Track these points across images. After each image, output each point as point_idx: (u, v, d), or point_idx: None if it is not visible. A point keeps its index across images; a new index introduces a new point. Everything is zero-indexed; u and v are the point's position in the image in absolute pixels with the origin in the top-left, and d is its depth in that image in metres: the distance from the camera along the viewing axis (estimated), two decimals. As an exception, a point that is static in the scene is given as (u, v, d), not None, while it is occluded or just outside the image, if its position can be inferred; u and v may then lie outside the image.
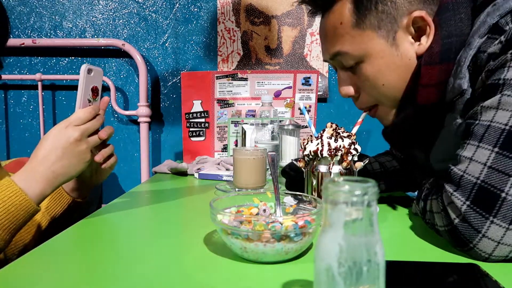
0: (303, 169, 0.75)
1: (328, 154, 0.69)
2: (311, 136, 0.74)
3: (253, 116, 1.51)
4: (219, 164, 1.30)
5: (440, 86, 0.65)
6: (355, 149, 0.70)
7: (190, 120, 1.49)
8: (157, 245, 0.61)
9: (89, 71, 0.73)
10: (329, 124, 0.73)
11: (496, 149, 0.53)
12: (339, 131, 0.72)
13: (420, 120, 0.70)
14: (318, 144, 0.71)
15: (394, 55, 0.69)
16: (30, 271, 0.51)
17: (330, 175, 0.70)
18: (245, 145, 1.33)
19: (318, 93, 1.60)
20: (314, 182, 0.72)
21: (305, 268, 0.52)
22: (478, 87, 0.60)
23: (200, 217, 0.76)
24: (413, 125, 0.72)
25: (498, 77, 0.56)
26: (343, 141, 0.70)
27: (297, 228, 0.51)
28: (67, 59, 1.68)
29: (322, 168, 0.71)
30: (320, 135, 0.72)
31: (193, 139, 1.49)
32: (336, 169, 0.70)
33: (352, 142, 0.71)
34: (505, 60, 0.56)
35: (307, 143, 0.73)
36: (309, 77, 1.52)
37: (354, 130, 0.75)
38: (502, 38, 0.57)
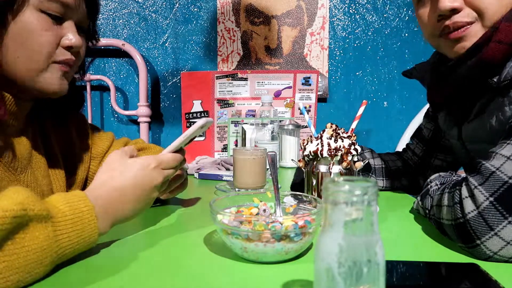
0: (303, 169, 0.75)
1: (328, 154, 0.70)
2: (311, 136, 0.74)
3: (253, 116, 1.51)
4: (219, 164, 1.30)
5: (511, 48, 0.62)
6: (355, 149, 0.71)
7: (190, 120, 1.49)
8: (157, 245, 0.61)
9: (203, 126, 0.70)
10: (329, 125, 0.73)
11: None
12: (339, 131, 0.72)
13: (474, 75, 0.67)
14: (318, 144, 0.71)
15: None
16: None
17: (330, 175, 0.70)
18: (245, 145, 1.33)
19: (318, 93, 1.60)
20: (314, 182, 0.72)
21: (305, 268, 0.52)
22: None
23: (200, 217, 0.76)
24: (466, 75, 0.68)
25: None
26: (343, 141, 0.70)
27: (297, 228, 0.51)
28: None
29: (322, 168, 0.71)
30: (320, 136, 0.72)
31: (193, 139, 1.49)
32: (336, 169, 0.70)
33: (352, 142, 0.71)
34: None
35: (307, 143, 0.73)
36: (309, 77, 1.52)
37: (354, 125, 0.75)
38: None
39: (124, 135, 1.71)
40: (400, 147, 1.65)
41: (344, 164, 0.70)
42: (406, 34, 1.66)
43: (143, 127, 1.64)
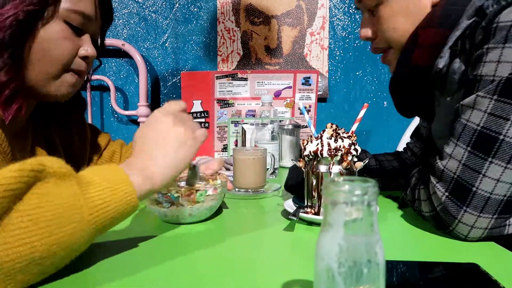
0: (303, 169, 0.75)
1: (328, 154, 0.70)
2: (311, 136, 0.74)
3: (253, 116, 1.51)
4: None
5: (434, 50, 0.67)
6: (355, 150, 0.71)
7: (190, 120, 1.49)
8: (157, 245, 0.61)
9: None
10: (329, 125, 0.73)
11: (469, 148, 0.59)
12: (339, 131, 0.72)
13: (414, 81, 0.73)
14: (318, 144, 0.71)
15: (410, 1, 0.72)
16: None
17: (330, 175, 0.70)
18: (245, 145, 1.33)
19: (318, 93, 1.60)
20: (314, 182, 0.72)
21: (305, 268, 0.52)
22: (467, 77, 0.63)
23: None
24: (407, 85, 0.75)
25: (475, 73, 0.60)
26: (343, 141, 0.70)
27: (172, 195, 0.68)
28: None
29: (322, 168, 0.71)
30: (320, 136, 0.72)
31: (193, 139, 1.49)
32: (336, 169, 0.70)
33: (352, 142, 0.71)
34: (481, 53, 0.59)
35: (307, 144, 0.73)
36: (309, 77, 1.52)
37: (354, 127, 0.75)
38: (483, 23, 0.60)
39: (124, 135, 1.72)
40: (400, 147, 1.65)
41: (344, 164, 0.70)
42: (406, 34, 1.66)
43: (143, 127, 1.64)
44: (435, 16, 0.68)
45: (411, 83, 0.74)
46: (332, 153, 0.70)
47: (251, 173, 0.94)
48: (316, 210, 0.72)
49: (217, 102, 1.51)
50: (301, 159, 0.75)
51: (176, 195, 0.69)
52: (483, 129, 0.58)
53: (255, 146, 1.21)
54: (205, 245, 0.61)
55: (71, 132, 0.83)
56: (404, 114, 0.88)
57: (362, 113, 0.76)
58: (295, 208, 0.74)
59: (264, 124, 1.25)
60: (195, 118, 1.51)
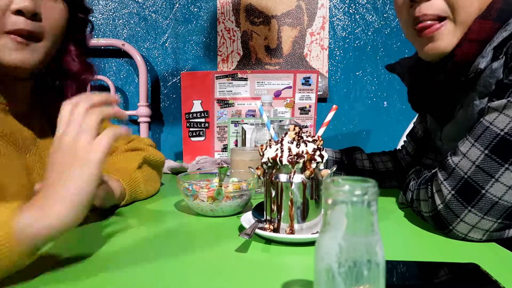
0: (261, 178, 0.66)
1: (288, 161, 0.60)
2: (270, 140, 0.65)
3: (253, 116, 1.51)
4: (219, 164, 1.30)
5: (479, 46, 0.64)
6: (321, 156, 0.61)
7: (190, 120, 1.49)
8: (157, 245, 0.61)
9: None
10: (292, 127, 0.64)
11: (486, 151, 0.58)
12: (302, 134, 0.63)
13: (447, 76, 0.68)
14: (277, 149, 0.61)
15: None
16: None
17: (291, 185, 0.60)
18: (245, 145, 1.33)
19: (318, 93, 1.60)
20: (274, 193, 0.62)
21: (305, 268, 0.51)
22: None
23: (201, 217, 0.76)
24: (436, 77, 0.69)
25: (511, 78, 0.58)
26: (306, 146, 0.61)
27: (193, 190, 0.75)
28: (67, 59, 1.68)
29: (282, 178, 0.61)
30: (280, 140, 0.63)
31: (193, 139, 1.49)
32: (298, 178, 0.60)
33: (317, 147, 0.62)
34: None
35: (266, 149, 0.64)
36: (309, 77, 1.52)
37: (321, 132, 0.67)
38: None
39: (124, 135, 1.71)
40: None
41: (307, 172, 0.60)
42: (406, 34, 1.66)
43: (143, 127, 1.64)
44: (492, 9, 0.63)
45: (443, 77, 0.69)
46: (293, 159, 0.60)
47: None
48: (275, 225, 0.62)
49: (217, 102, 1.51)
50: (259, 167, 0.65)
51: (195, 189, 0.75)
52: (506, 135, 0.57)
53: (255, 146, 1.21)
54: (203, 244, 0.61)
55: None
56: (415, 109, 0.85)
57: (330, 116, 0.68)
58: (253, 222, 0.64)
59: (264, 124, 1.25)
60: (195, 118, 1.51)
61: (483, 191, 0.58)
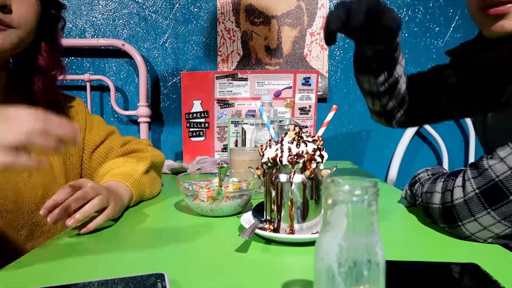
0: (261, 178, 0.66)
1: (288, 161, 0.60)
2: (270, 140, 0.66)
3: (253, 116, 1.51)
4: (219, 164, 1.30)
5: None
6: (321, 156, 0.62)
7: (190, 120, 1.49)
8: (157, 245, 0.61)
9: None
10: (292, 127, 0.64)
11: None
12: (302, 135, 0.63)
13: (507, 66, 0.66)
14: (277, 150, 0.62)
15: None
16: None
17: (291, 185, 0.61)
18: (245, 145, 1.33)
19: (318, 93, 1.60)
20: (274, 193, 0.62)
21: (305, 268, 0.52)
22: None
23: (201, 217, 0.76)
24: (501, 61, 0.66)
25: None
26: (306, 146, 0.61)
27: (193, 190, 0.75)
28: (67, 59, 1.68)
29: (282, 178, 0.61)
30: (280, 140, 0.63)
31: (193, 139, 1.49)
32: (298, 178, 0.61)
33: (318, 147, 0.62)
34: None
35: (265, 149, 0.64)
36: (309, 77, 1.52)
37: (321, 132, 0.68)
38: None
39: (125, 135, 1.71)
40: (401, 147, 1.65)
41: (307, 172, 0.60)
42: (406, 34, 1.65)
43: (143, 127, 1.64)
44: None
45: (506, 50, 0.66)
46: (293, 159, 0.60)
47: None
48: (275, 225, 0.63)
49: (217, 102, 1.51)
50: (259, 167, 0.66)
51: (195, 189, 0.75)
52: None
53: (255, 146, 1.21)
54: (204, 244, 0.61)
55: (62, 113, 0.82)
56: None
57: (330, 116, 0.68)
58: (253, 222, 0.65)
59: (264, 124, 1.25)
60: (195, 118, 1.51)
61: (511, 197, 0.56)
